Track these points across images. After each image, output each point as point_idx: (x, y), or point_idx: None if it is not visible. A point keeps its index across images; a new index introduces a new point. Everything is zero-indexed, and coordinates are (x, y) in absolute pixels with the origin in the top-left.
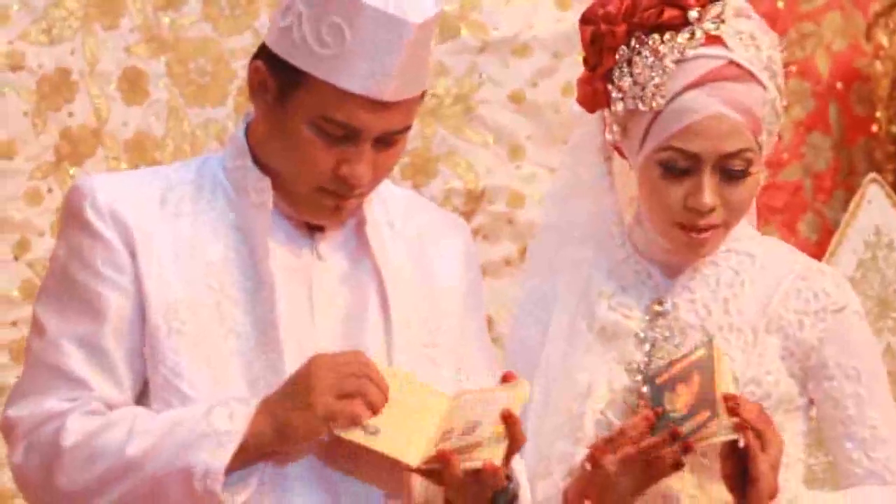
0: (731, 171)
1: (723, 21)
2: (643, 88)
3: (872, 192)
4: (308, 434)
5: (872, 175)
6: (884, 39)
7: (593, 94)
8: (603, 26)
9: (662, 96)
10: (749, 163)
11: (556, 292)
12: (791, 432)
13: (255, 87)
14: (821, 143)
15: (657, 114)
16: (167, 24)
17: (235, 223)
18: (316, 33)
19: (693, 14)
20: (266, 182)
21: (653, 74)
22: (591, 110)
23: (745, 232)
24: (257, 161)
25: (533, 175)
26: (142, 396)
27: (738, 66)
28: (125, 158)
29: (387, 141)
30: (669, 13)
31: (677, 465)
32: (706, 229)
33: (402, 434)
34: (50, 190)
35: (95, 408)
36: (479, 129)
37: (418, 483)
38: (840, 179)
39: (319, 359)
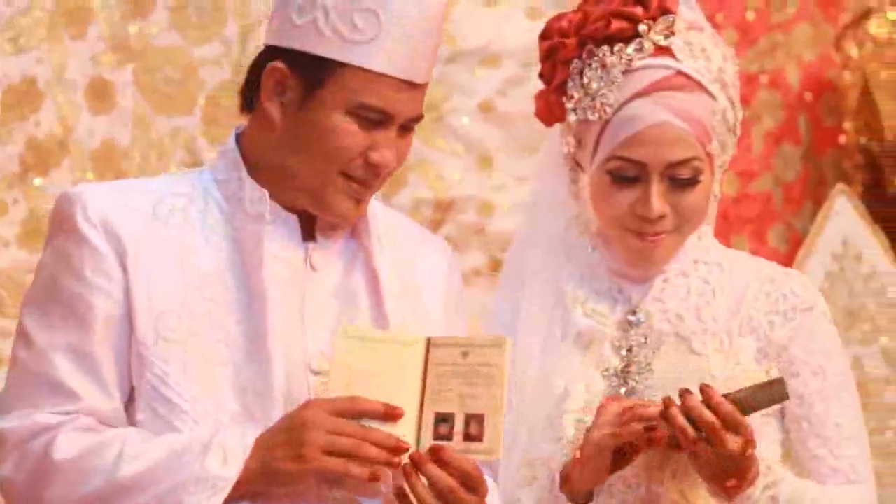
0: (678, 179)
1: (672, 33)
2: (593, 99)
3: (840, 203)
4: (295, 482)
5: (840, 186)
6: (853, 51)
7: (548, 107)
8: (556, 40)
9: (610, 106)
10: (697, 171)
11: (518, 306)
12: (768, 439)
13: (272, 88)
14: (790, 153)
15: (606, 123)
16: (134, 33)
17: (228, 234)
18: (349, 22)
19: (642, 27)
20: (263, 193)
21: (601, 85)
22: (549, 123)
23: (711, 244)
24: (252, 173)
25: (503, 185)
26: (128, 404)
27: (686, 76)
28: (92, 168)
29: (407, 128)
30: (617, 25)
31: (675, 444)
32: (657, 234)
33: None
34: (15, 201)
35: (87, 423)
36: (449, 138)
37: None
38: (809, 190)
39: (314, 409)
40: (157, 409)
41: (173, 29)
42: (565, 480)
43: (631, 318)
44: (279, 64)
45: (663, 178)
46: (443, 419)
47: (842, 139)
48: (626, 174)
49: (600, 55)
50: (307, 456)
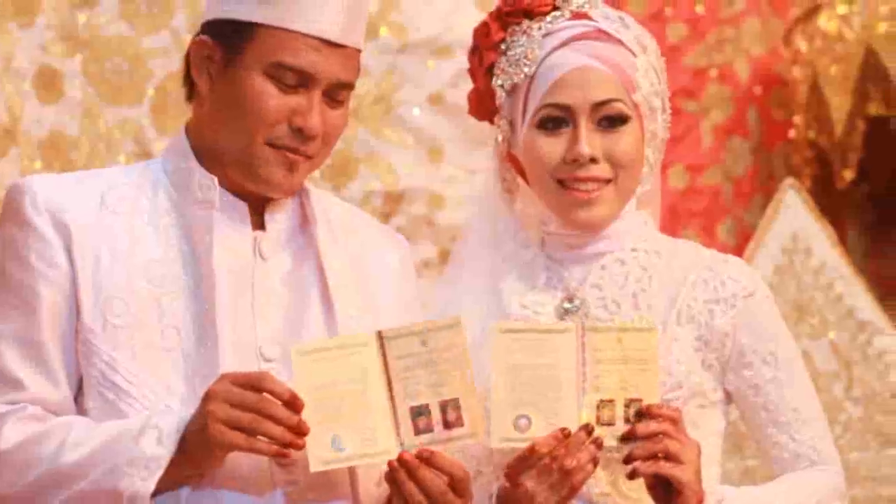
0: (605, 118)
1: (591, 7)
2: (516, 63)
3: (790, 197)
4: (207, 458)
5: (790, 180)
6: (802, 45)
7: (479, 95)
8: (479, 37)
9: (533, 61)
10: (624, 113)
11: (458, 298)
12: (706, 430)
13: (199, 62)
14: (740, 147)
15: (531, 79)
16: (83, 22)
17: (177, 222)
18: None
19: (560, 1)
20: (212, 180)
21: (524, 49)
22: (483, 117)
23: (651, 233)
24: (201, 161)
25: (453, 177)
26: (77, 392)
27: (605, 32)
28: (40, 158)
29: (334, 96)
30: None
31: (594, 462)
32: (589, 181)
33: (363, 427)
34: None
35: (34, 412)
36: (399, 130)
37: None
38: (759, 184)
39: (221, 380)
40: (107, 396)
41: (122, 19)
42: None
43: (567, 305)
44: (203, 36)
45: (590, 120)
46: (419, 412)
47: (791, 133)
48: (555, 118)
49: (523, 27)
50: (210, 428)
